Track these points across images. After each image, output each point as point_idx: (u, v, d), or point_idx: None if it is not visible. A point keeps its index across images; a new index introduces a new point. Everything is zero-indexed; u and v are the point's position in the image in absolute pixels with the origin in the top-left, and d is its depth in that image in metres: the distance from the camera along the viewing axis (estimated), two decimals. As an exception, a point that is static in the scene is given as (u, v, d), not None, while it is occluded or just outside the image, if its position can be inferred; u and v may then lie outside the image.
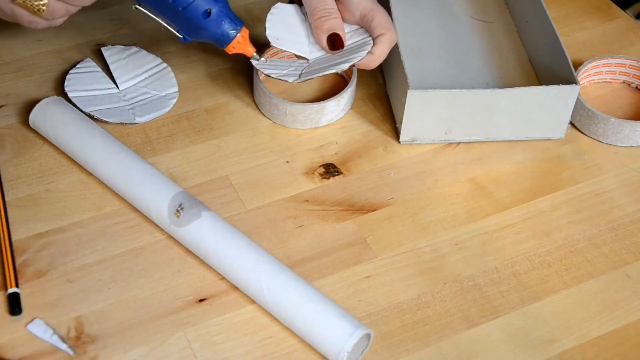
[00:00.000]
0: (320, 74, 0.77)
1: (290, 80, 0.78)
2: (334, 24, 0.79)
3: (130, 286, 0.70)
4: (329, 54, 0.80)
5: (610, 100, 0.89)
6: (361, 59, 0.78)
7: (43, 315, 0.68)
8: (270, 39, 0.80)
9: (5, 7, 0.71)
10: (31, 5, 0.70)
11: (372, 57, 0.78)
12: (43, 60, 0.89)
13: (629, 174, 0.82)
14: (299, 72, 0.79)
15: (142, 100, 0.84)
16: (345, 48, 0.79)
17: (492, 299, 0.71)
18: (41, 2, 0.70)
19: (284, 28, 0.81)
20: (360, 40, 0.80)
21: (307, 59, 0.81)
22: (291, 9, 0.82)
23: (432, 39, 0.93)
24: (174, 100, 0.85)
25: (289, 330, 0.68)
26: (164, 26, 0.76)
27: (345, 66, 0.77)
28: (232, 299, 0.70)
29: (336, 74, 0.89)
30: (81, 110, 0.81)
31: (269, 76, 0.79)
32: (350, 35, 0.80)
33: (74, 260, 0.72)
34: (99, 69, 0.86)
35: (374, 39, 0.79)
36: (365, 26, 0.80)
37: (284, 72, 0.79)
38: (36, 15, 0.71)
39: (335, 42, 0.79)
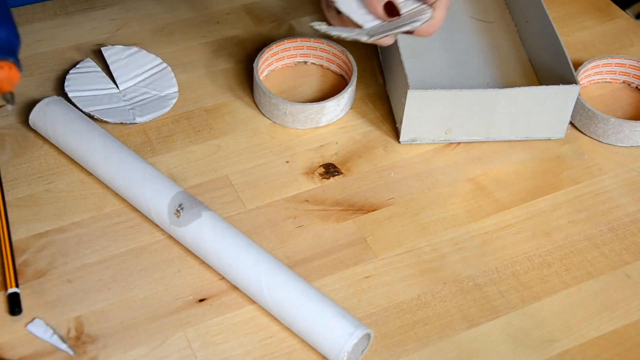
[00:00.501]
0: (393, 32, 0.76)
1: (364, 39, 0.76)
2: None
3: (130, 286, 0.70)
4: (384, 22, 0.78)
5: (610, 100, 0.89)
6: (424, 22, 0.76)
7: (43, 315, 0.68)
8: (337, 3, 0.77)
9: None
10: None
11: (433, 21, 0.77)
12: (43, 60, 0.89)
13: (629, 174, 0.82)
14: (365, 35, 0.77)
15: (142, 100, 0.84)
16: (401, 15, 0.78)
17: (492, 299, 0.71)
18: None
19: None
20: (415, 8, 0.78)
21: (362, 27, 0.78)
22: None
23: (432, 39, 0.93)
24: (174, 100, 0.85)
25: (289, 330, 0.68)
26: None
27: (417, 25, 0.76)
28: (232, 299, 0.70)
29: (337, 73, 0.89)
30: (81, 110, 0.81)
31: (339, 37, 0.76)
32: (403, 5, 0.79)
33: (74, 260, 0.72)
34: (99, 69, 0.86)
35: (431, 4, 0.77)
36: None
37: (352, 34, 0.77)
38: None
39: (392, 8, 0.77)
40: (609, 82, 0.91)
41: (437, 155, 0.83)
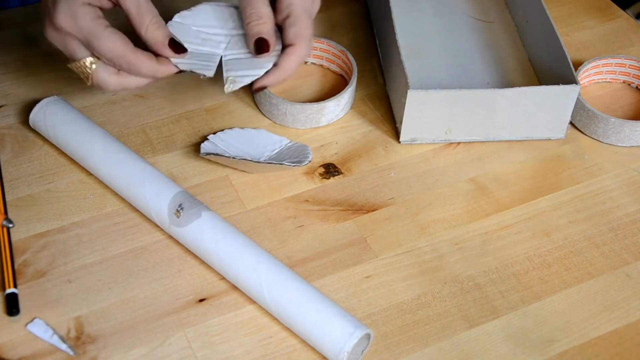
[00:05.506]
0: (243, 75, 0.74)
1: (207, 73, 0.74)
2: (262, 28, 0.74)
3: (130, 286, 0.70)
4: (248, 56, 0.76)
5: (610, 100, 0.89)
6: (256, 78, 0.73)
7: (43, 315, 0.68)
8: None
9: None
10: (81, 73, 0.72)
11: (277, 71, 0.74)
12: (43, 60, 0.89)
13: (629, 174, 0.82)
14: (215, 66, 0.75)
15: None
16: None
17: (492, 299, 0.71)
18: (88, 71, 0.72)
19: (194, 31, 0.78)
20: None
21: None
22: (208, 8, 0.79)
23: (432, 39, 0.93)
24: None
25: (289, 330, 0.68)
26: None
27: (245, 81, 0.74)
28: (232, 299, 0.70)
29: (337, 73, 0.89)
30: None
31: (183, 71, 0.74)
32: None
33: (74, 260, 0.72)
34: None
35: (283, 48, 0.74)
36: (283, 30, 0.75)
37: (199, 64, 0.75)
38: (87, 84, 0.73)
39: (261, 47, 0.74)
40: (609, 82, 0.91)
41: (437, 155, 0.83)
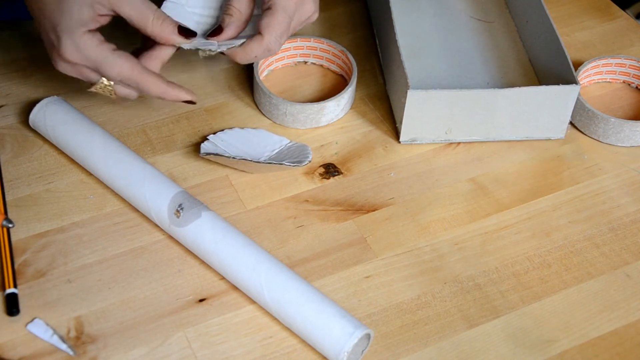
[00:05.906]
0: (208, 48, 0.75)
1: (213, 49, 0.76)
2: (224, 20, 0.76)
3: (130, 286, 0.70)
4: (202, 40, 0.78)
5: (610, 100, 0.89)
6: (233, 47, 0.75)
7: (43, 315, 0.68)
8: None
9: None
10: (103, 92, 0.74)
11: (237, 50, 0.75)
12: (43, 60, 0.88)
13: (629, 174, 0.82)
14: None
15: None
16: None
17: (492, 299, 0.71)
18: (109, 89, 0.74)
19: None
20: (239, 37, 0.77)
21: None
22: None
23: (432, 39, 0.93)
24: None
25: (289, 330, 0.68)
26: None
27: (224, 48, 0.75)
28: (232, 299, 0.70)
29: (337, 73, 0.89)
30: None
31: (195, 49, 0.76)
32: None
33: (74, 260, 0.72)
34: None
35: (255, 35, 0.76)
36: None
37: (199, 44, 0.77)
38: (112, 98, 0.76)
39: (215, 32, 0.76)
40: (609, 82, 0.91)
41: (437, 155, 0.83)
